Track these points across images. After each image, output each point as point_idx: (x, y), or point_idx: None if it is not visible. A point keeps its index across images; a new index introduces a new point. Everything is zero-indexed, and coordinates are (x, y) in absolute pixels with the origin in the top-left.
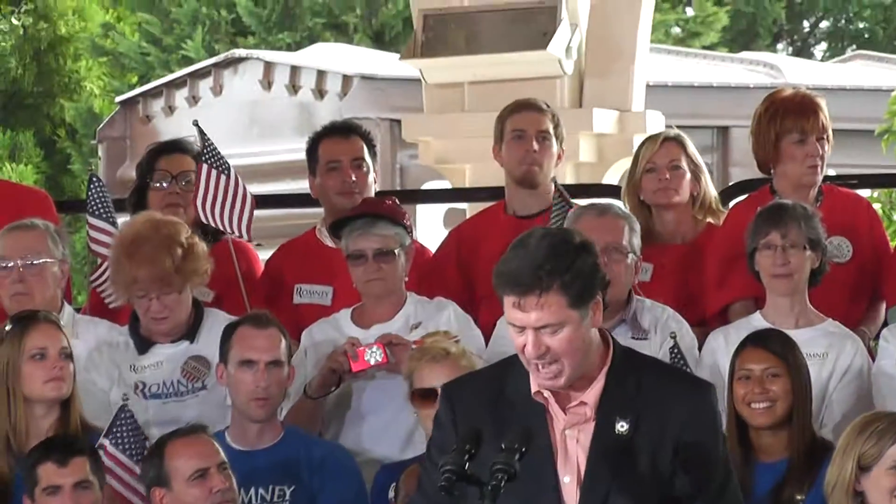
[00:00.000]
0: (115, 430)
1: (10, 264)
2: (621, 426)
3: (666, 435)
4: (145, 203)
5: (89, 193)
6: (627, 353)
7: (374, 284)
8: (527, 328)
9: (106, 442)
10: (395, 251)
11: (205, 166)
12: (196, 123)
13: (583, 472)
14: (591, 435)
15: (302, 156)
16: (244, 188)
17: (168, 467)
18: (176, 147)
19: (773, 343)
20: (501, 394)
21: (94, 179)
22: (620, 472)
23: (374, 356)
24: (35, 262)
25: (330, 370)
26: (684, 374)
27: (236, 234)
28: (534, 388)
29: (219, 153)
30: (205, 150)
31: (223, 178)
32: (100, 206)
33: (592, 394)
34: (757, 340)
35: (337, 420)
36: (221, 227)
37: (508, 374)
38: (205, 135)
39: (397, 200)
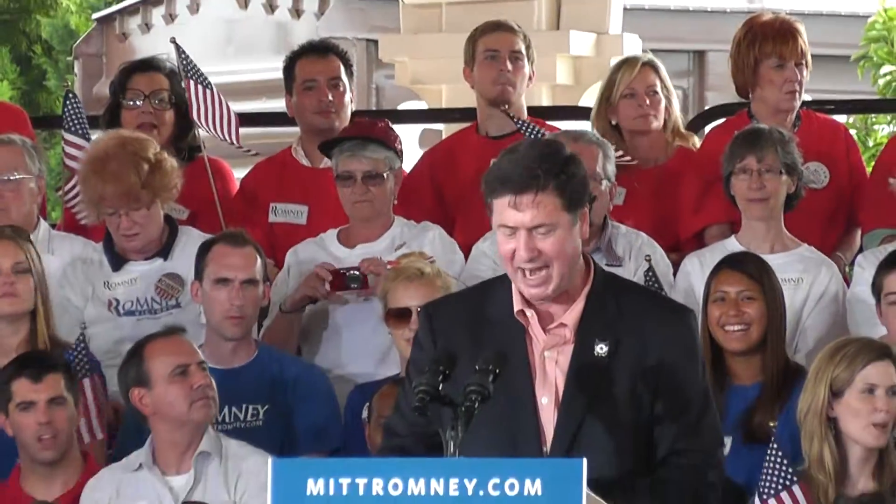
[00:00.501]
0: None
1: None
2: (600, 349)
3: (645, 359)
4: (119, 121)
5: (65, 109)
6: (608, 277)
7: (361, 206)
8: (519, 229)
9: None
10: (384, 174)
11: (192, 82)
12: (174, 41)
13: (560, 394)
14: (570, 356)
15: (278, 75)
16: (225, 101)
17: (147, 367)
18: (149, 65)
19: (748, 266)
20: (481, 314)
21: (70, 95)
22: (598, 395)
23: (353, 280)
24: (11, 178)
25: (305, 295)
26: (664, 299)
27: (227, 137)
28: (516, 307)
29: (198, 69)
30: (187, 67)
31: (208, 91)
32: (75, 121)
33: (572, 315)
34: (732, 263)
35: (312, 338)
36: (220, 137)
37: (489, 296)
38: (183, 52)
39: (389, 123)
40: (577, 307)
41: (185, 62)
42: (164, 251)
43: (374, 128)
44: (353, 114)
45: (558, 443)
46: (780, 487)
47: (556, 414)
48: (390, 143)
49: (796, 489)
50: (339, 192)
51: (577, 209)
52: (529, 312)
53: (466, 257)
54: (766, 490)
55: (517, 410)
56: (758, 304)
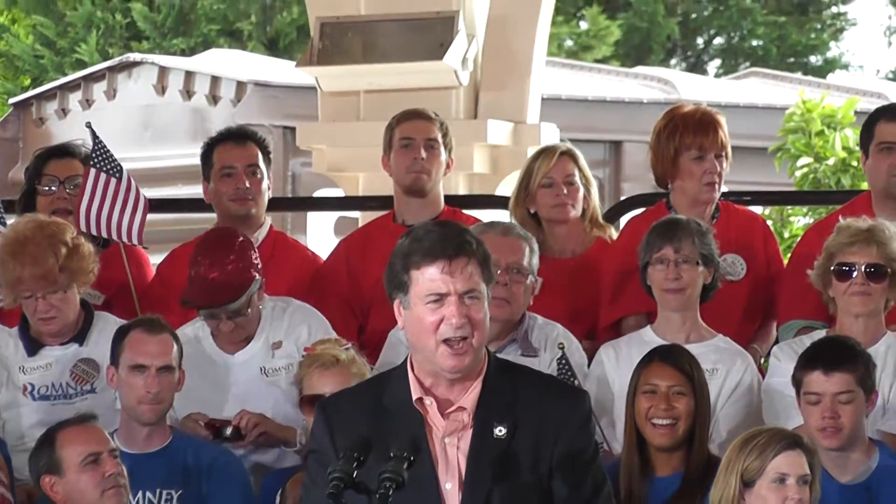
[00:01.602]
0: (93, 154)
1: None
2: (499, 430)
3: (543, 440)
4: (34, 207)
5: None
6: (500, 362)
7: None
8: (450, 296)
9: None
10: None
11: (93, 170)
12: (89, 125)
13: (463, 478)
14: (470, 440)
15: (195, 161)
16: (137, 191)
17: (59, 455)
18: (64, 151)
19: (680, 360)
20: (379, 404)
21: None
22: (500, 476)
23: (229, 432)
24: None
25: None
26: (558, 382)
27: (123, 239)
28: (415, 395)
29: (111, 156)
30: (94, 154)
31: (113, 181)
32: (100, 160)
33: (470, 399)
34: (664, 356)
35: None
36: (105, 235)
37: (386, 385)
38: (97, 137)
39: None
40: (475, 391)
41: (97, 147)
42: (80, 336)
43: (225, 290)
44: (270, 201)
45: None
46: None
47: (460, 498)
48: (247, 285)
49: None
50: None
51: (489, 285)
52: (428, 400)
53: (381, 345)
54: None
55: (423, 498)
56: (687, 400)
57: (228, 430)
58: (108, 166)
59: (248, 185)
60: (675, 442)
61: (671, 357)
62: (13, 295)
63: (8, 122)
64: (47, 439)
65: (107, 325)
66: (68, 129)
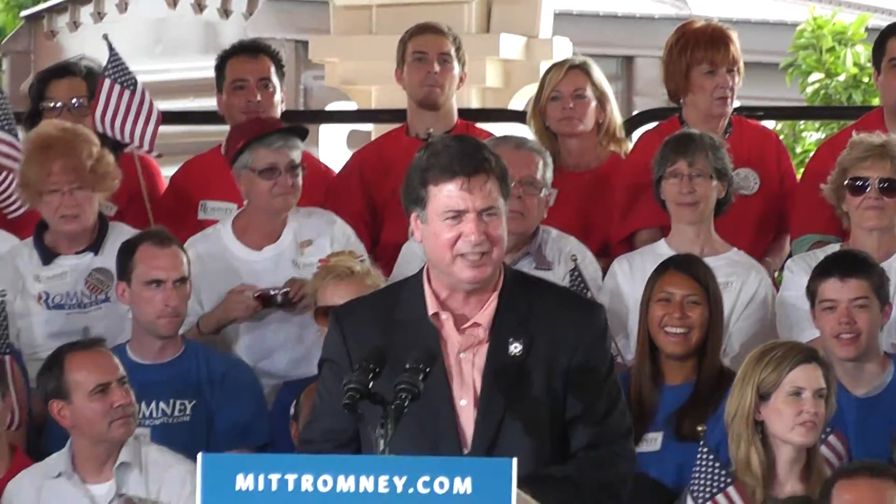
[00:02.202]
0: (109, 66)
1: None
2: (515, 347)
3: (558, 356)
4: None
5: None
6: (518, 276)
7: (285, 199)
8: (469, 212)
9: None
10: (302, 166)
11: (107, 80)
12: (106, 37)
13: (478, 394)
14: (486, 356)
15: (206, 74)
16: (150, 103)
17: (68, 380)
18: (66, 71)
19: (695, 269)
20: (393, 316)
21: (110, 46)
22: (515, 393)
23: (280, 296)
24: None
25: (232, 319)
26: (573, 295)
27: (136, 144)
28: (431, 310)
29: (125, 68)
30: (109, 65)
31: (127, 93)
32: (2, 117)
33: (486, 314)
34: (679, 265)
35: (239, 333)
36: (119, 138)
37: (400, 298)
38: (113, 49)
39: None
40: (491, 306)
41: (113, 59)
42: (95, 246)
43: (278, 122)
44: (282, 114)
45: (478, 443)
46: (714, 490)
47: (475, 415)
48: (304, 137)
49: (732, 490)
50: (253, 185)
51: (507, 200)
52: (444, 315)
53: (395, 258)
54: (699, 494)
55: (436, 413)
56: (701, 309)
57: (280, 297)
58: (123, 78)
59: (259, 98)
60: (688, 350)
61: (687, 266)
62: (38, 190)
63: (19, 36)
64: (56, 362)
65: (121, 234)
66: (79, 42)
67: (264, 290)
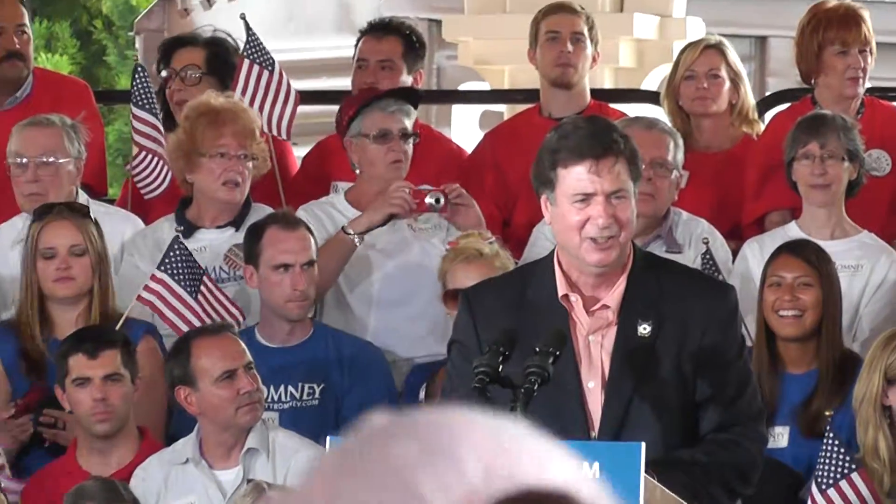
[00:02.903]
0: (167, 260)
1: (25, 160)
2: (643, 329)
3: (687, 338)
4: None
5: (134, 84)
6: (647, 257)
7: (399, 166)
8: (597, 195)
9: (157, 272)
10: (417, 134)
11: (246, 61)
12: (243, 17)
13: (606, 377)
14: (614, 339)
15: (340, 53)
16: (288, 84)
17: (194, 367)
18: (184, 41)
19: (807, 252)
20: (523, 298)
21: (139, 70)
22: (643, 376)
23: (434, 199)
24: (49, 160)
25: (390, 214)
26: (703, 276)
27: (274, 132)
28: (561, 292)
29: (263, 48)
30: (248, 45)
31: (266, 73)
32: (144, 96)
33: (615, 296)
34: (791, 248)
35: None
36: (259, 122)
37: (530, 279)
38: (250, 29)
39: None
40: (619, 288)
41: (251, 39)
42: (237, 222)
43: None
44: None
45: (606, 426)
46: (838, 476)
47: (603, 397)
48: (416, 104)
49: (856, 476)
50: (366, 153)
51: (637, 182)
52: (574, 297)
53: (526, 239)
54: (824, 479)
55: (564, 396)
56: (814, 291)
57: (434, 199)
58: (262, 58)
59: (375, 80)
60: (803, 332)
61: (798, 249)
62: (203, 154)
63: (153, 13)
64: (183, 348)
65: (262, 213)
66: (213, 19)
67: (422, 190)
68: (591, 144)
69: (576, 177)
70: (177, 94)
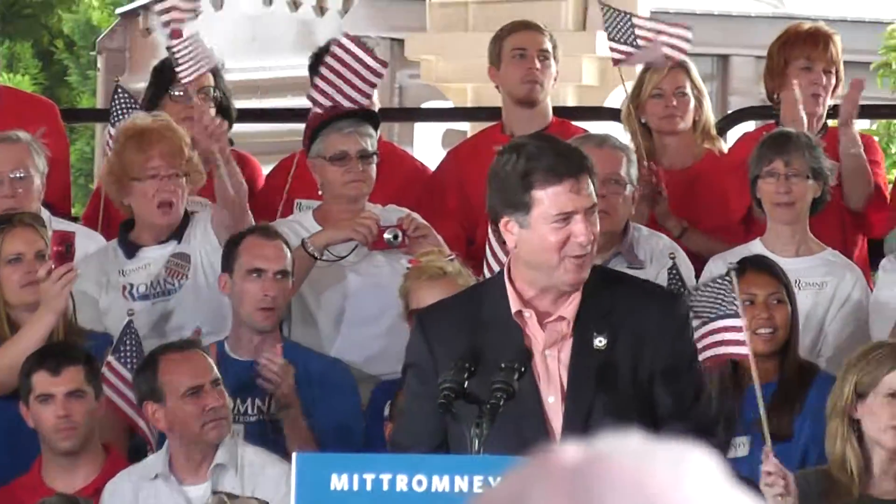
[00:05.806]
0: (121, 347)
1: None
2: (599, 342)
3: (642, 346)
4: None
5: (113, 103)
6: (601, 271)
7: (357, 186)
8: (577, 213)
9: (112, 359)
10: (376, 154)
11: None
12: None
13: (565, 390)
14: (570, 352)
15: (301, 72)
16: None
17: (161, 382)
18: None
19: (774, 268)
20: (477, 317)
21: (119, 90)
22: (602, 387)
23: (392, 235)
24: (22, 175)
25: (348, 238)
26: (654, 286)
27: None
28: (514, 308)
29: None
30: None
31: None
32: (122, 115)
33: (570, 308)
34: (758, 265)
35: (330, 332)
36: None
37: (482, 298)
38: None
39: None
40: (575, 301)
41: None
42: (178, 234)
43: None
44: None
45: (568, 440)
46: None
47: (563, 411)
48: (377, 124)
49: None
50: (325, 173)
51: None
52: (528, 312)
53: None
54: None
55: (525, 412)
56: (784, 308)
57: (392, 235)
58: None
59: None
60: (775, 348)
61: (765, 265)
62: (134, 177)
63: (115, 33)
64: (149, 363)
65: (202, 218)
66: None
67: (381, 226)
68: (567, 164)
69: (556, 197)
70: (186, 111)
